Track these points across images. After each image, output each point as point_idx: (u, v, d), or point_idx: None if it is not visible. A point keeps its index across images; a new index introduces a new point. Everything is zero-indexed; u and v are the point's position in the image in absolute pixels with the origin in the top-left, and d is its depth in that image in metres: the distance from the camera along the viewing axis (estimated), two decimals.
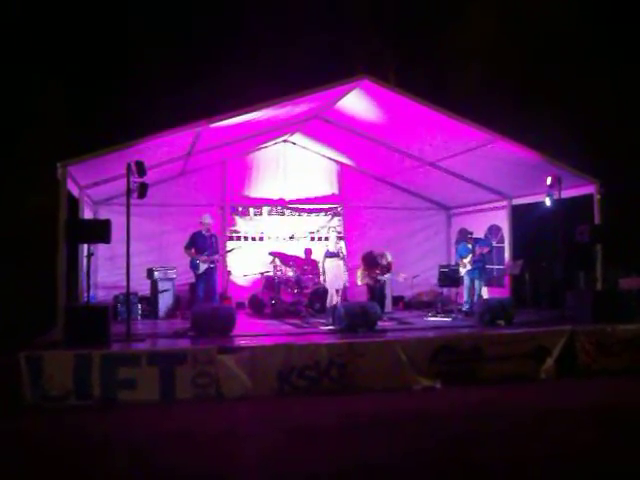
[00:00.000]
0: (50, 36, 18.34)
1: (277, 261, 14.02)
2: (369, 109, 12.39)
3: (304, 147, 15.94)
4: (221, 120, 10.59)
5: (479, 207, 15.78)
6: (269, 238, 15.66)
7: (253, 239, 15.62)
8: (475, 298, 13.04)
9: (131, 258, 9.60)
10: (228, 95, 16.67)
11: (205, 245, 12.23)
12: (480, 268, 13.19)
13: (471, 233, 13.61)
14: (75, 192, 11.22)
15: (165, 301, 13.38)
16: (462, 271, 13.21)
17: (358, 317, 10.50)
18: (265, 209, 15.75)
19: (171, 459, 6.23)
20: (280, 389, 8.79)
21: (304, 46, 20.11)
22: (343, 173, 16.37)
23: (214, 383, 8.61)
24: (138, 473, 5.88)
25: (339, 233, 15.90)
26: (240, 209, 15.58)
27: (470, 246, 13.23)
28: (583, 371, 9.89)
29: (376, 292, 12.78)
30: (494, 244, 14.99)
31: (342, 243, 14.60)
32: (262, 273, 14.47)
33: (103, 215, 13.16)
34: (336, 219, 16.22)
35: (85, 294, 11.03)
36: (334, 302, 11.91)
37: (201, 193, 15.15)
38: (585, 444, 6.54)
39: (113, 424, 7.59)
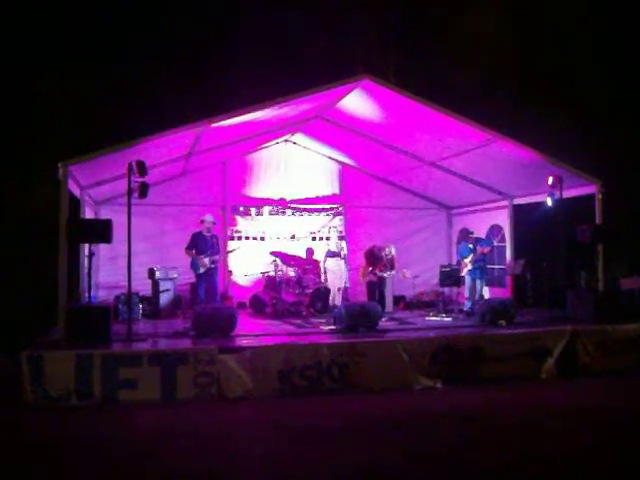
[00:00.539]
0: (51, 35, 18.35)
1: (278, 261, 14.02)
2: (370, 109, 12.39)
3: (305, 147, 15.95)
4: (222, 120, 10.59)
5: (480, 207, 15.77)
6: (270, 238, 15.66)
7: (254, 239, 15.62)
8: (476, 298, 13.04)
9: (132, 258, 9.61)
10: (229, 95, 16.71)
11: (206, 245, 12.23)
12: (481, 268, 13.19)
13: (472, 232, 13.62)
14: (76, 192, 11.23)
15: (166, 301, 13.38)
16: (463, 271, 13.21)
17: (359, 317, 10.50)
18: (266, 209, 15.74)
19: (172, 459, 6.23)
20: (281, 389, 8.79)
21: (305, 46, 20.11)
22: (344, 173, 16.37)
23: (215, 383, 8.61)
24: (139, 473, 5.88)
25: (340, 233, 15.91)
26: (241, 209, 15.58)
27: (471, 246, 13.23)
28: (584, 371, 9.89)
29: (375, 292, 12.78)
30: (495, 244, 15.00)
31: (344, 243, 14.60)
32: (263, 273, 14.47)
33: (104, 215, 13.17)
34: (337, 219, 16.22)
35: (86, 294, 11.03)
36: (335, 302, 11.93)
37: (202, 193, 15.15)
38: (586, 444, 6.54)
39: (114, 424, 7.59)
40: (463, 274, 13.22)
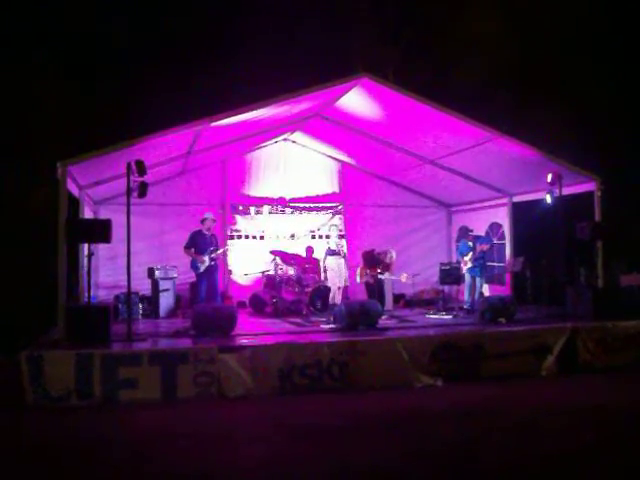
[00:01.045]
0: (50, 35, 18.34)
1: (278, 260, 14.02)
2: (369, 107, 12.38)
3: (304, 146, 15.94)
4: (221, 119, 10.57)
5: (480, 205, 15.77)
6: (270, 237, 15.66)
7: (254, 238, 15.62)
8: (476, 295, 13.04)
9: (132, 257, 9.60)
10: (228, 94, 16.69)
11: (205, 244, 12.22)
12: (481, 265, 13.20)
13: (471, 230, 13.62)
14: (75, 192, 11.22)
15: (166, 300, 13.38)
16: (463, 269, 13.21)
17: (359, 315, 10.51)
18: (266, 208, 15.74)
19: (172, 459, 6.24)
20: (281, 388, 8.80)
21: (304, 44, 20.09)
22: (344, 171, 16.37)
23: (215, 382, 8.62)
24: (139, 473, 5.88)
25: (340, 231, 15.91)
26: (241, 208, 15.58)
27: (471, 244, 13.23)
28: (584, 368, 9.90)
29: (374, 291, 12.77)
30: (495, 241, 15.00)
31: (343, 242, 14.57)
32: (263, 272, 14.47)
33: (103, 215, 13.16)
34: (337, 217, 16.22)
35: (86, 294, 11.02)
36: (335, 300, 11.93)
37: (202, 192, 15.14)
38: (586, 441, 6.55)
39: (114, 424, 7.60)
40: (463, 272, 13.23)
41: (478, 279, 13.20)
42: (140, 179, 9.67)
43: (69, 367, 8.25)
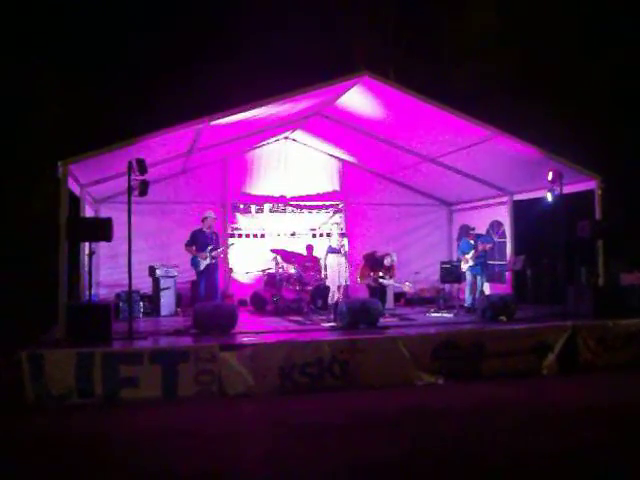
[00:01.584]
0: (51, 34, 18.34)
1: (279, 258, 14.02)
2: (370, 106, 12.38)
3: (305, 144, 15.95)
4: (221, 118, 10.57)
5: (480, 203, 15.77)
6: (270, 235, 15.66)
7: (255, 236, 15.62)
8: (477, 294, 13.04)
9: (133, 256, 9.61)
10: (228, 93, 16.69)
11: (206, 242, 12.24)
12: (482, 264, 13.20)
13: (473, 229, 13.62)
14: (76, 190, 11.23)
15: (167, 299, 13.38)
16: (464, 267, 13.21)
17: (360, 314, 10.51)
18: (266, 206, 15.74)
19: (174, 456, 6.24)
20: (282, 386, 8.80)
21: (304, 43, 20.09)
22: (344, 170, 16.37)
23: (216, 380, 8.62)
24: (140, 471, 5.89)
25: (341, 230, 15.91)
26: (241, 206, 15.58)
27: (472, 242, 13.23)
28: (585, 366, 9.90)
29: (376, 289, 12.78)
30: (495, 240, 15.00)
31: (345, 240, 14.55)
32: (264, 270, 14.48)
33: (104, 213, 13.18)
34: (337, 216, 16.22)
35: (87, 292, 11.03)
36: (336, 299, 11.93)
37: (202, 190, 15.16)
38: (587, 440, 6.55)
39: (115, 422, 7.60)
40: (464, 270, 13.23)
41: (479, 277, 13.20)
42: (141, 178, 9.68)
43: (70, 366, 8.24)
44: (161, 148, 11.23)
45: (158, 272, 13.32)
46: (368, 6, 22.18)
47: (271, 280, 14.11)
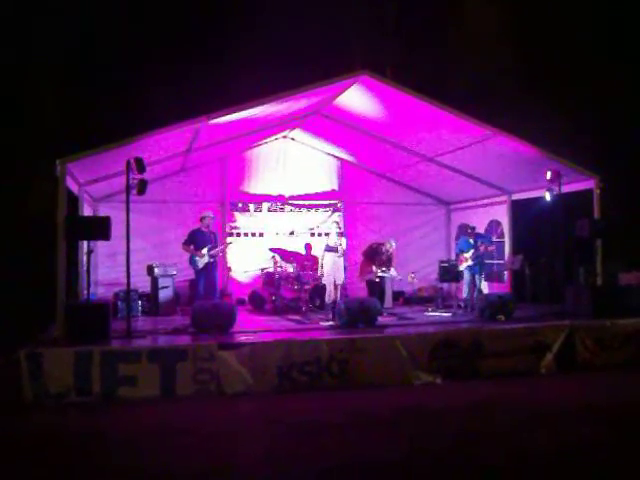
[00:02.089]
0: (48, 32, 18.31)
1: (277, 257, 14.03)
2: (368, 105, 12.38)
3: (304, 143, 15.95)
4: (220, 116, 10.57)
5: (479, 202, 15.78)
6: (269, 234, 15.67)
7: (253, 235, 15.63)
8: (475, 293, 13.05)
9: (131, 255, 9.60)
10: (227, 91, 16.66)
11: (204, 242, 12.26)
12: (480, 263, 13.21)
13: (473, 228, 13.59)
14: (74, 189, 11.22)
15: (165, 297, 13.38)
16: (462, 266, 13.21)
17: (358, 313, 10.51)
18: (265, 205, 15.75)
19: (172, 455, 6.24)
20: (280, 385, 8.80)
21: (303, 41, 20.07)
22: (343, 169, 16.38)
23: (215, 379, 8.62)
24: (139, 470, 5.88)
25: (339, 229, 15.91)
26: (240, 205, 15.59)
27: (472, 241, 13.22)
28: (583, 366, 9.91)
29: (375, 288, 12.79)
30: (494, 239, 15.01)
31: (343, 240, 14.51)
32: (262, 269, 14.49)
33: (103, 212, 13.19)
34: (336, 215, 16.23)
35: (85, 291, 11.03)
36: (332, 298, 11.95)
37: (201, 189, 15.17)
38: (585, 439, 6.56)
39: (114, 421, 7.61)
40: (461, 269, 13.23)
41: (477, 276, 13.21)
42: (139, 176, 9.67)
43: (68, 364, 8.25)
44: (160, 147, 11.23)
45: (156, 271, 13.31)
46: (367, 4, 22.17)
47: (270, 279, 14.11)
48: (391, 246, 13.08)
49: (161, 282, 13.30)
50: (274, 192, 15.80)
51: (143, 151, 9.96)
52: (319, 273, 13.36)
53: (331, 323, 11.16)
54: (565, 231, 11.68)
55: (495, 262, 15.26)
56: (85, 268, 10.60)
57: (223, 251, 13.48)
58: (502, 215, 15.14)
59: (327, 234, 15.50)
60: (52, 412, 7.90)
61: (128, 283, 9.67)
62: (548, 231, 13.47)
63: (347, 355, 9.05)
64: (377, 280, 12.87)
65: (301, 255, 14.47)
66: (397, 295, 15.02)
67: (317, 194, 16.13)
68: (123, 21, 19.58)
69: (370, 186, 16.50)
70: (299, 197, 15.97)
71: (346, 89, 11.70)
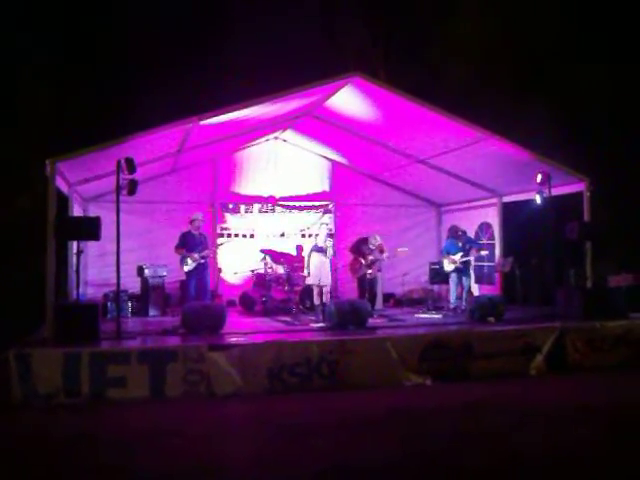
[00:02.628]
0: (39, 31, 18.25)
1: (268, 258, 14.01)
2: (360, 106, 12.38)
3: (295, 144, 15.94)
4: (211, 117, 10.54)
5: (470, 204, 15.81)
6: (260, 235, 15.65)
7: (244, 236, 15.61)
8: (464, 295, 13.06)
9: (121, 255, 9.57)
10: (218, 92, 16.67)
11: (195, 244, 12.26)
12: (467, 264, 13.21)
13: (464, 232, 13.59)
14: (64, 189, 11.18)
15: (155, 298, 13.34)
16: (448, 267, 13.18)
17: (349, 314, 10.50)
18: (256, 206, 15.73)
19: (161, 457, 6.21)
20: (271, 386, 8.79)
21: (295, 43, 20.09)
22: (334, 170, 16.38)
23: (205, 380, 8.59)
24: (128, 471, 5.86)
25: (330, 230, 15.89)
26: (231, 206, 15.56)
27: (460, 244, 13.22)
28: (573, 368, 9.93)
29: (366, 288, 12.78)
30: (484, 241, 15.04)
31: (329, 242, 14.45)
32: (253, 270, 14.46)
33: (93, 212, 13.17)
34: (327, 216, 16.23)
35: (74, 291, 10.98)
36: (321, 299, 11.97)
37: (192, 190, 15.13)
38: (575, 440, 6.57)
39: (102, 422, 7.57)
40: (446, 269, 13.20)
41: (465, 278, 13.21)
42: (130, 177, 9.64)
43: (57, 365, 8.21)
44: (150, 147, 11.20)
45: (146, 272, 13.28)
46: (359, 6, 22.20)
47: (260, 280, 14.10)
48: (376, 240, 13.06)
49: (151, 283, 13.27)
50: (265, 193, 15.78)
51: (134, 151, 9.91)
52: (305, 273, 13.29)
53: (321, 324, 11.16)
54: (555, 233, 11.71)
55: (485, 264, 15.29)
56: (75, 268, 10.56)
57: (214, 253, 13.45)
58: (493, 217, 15.17)
59: (317, 235, 15.48)
60: (41, 413, 7.85)
61: (118, 284, 9.64)
62: (538, 233, 13.49)
63: (337, 356, 9.04)
64: (369, 273, 12.81)
65: (292, 256, 14.46)
66: (388, 297, 15.03)
67: (308, 195, 16.13)
68: (114, 22, 19.55)
69: (361, 188, 16.50)
70: (290, 198, 15.96)
71: (338, 90, 11.70)
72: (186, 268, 12.19)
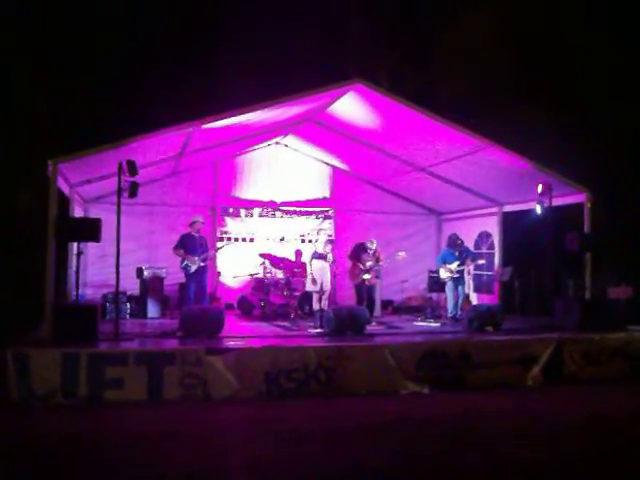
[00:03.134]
0: (41, 32, 18.28)
1: (267, 263, 14.01)
2: (362, 113, 12.40)
3: (296, 150, 15.96)
4: (213, 121, 10.57)
5: (470, 213, 15.82)
6: (259, 240, 15.66)
7: (243, 240, 15.62)
8: (459, 303, 13.05)
9: (121, 257, 9.58)
10: (220, 97, 16.70)
11: (195, 246, 12.24)
12: (463, 273, 13.21)
13: (461, 241, 13.56)
14: (66, 190, 11.19)
15: (154, 301, 13.35)
16: (445, 277, 13.16)
17: (347, 321, 10.50)
18: (256, 211, 15.75)
19: (157, 460, 6.21)
20: (267, 391, 8.78)
21: (297, 49, 20.13)
22: (335, 176, 16.40)
23: (202, 384, 8.60)
24: (123, 474, 5.85)
25: (329, 236, 15.88)
26: (231, 210, 15.58)
27: (457, 253, 13.19)
28: (570, 379, 9.92)
29: (364, 295, 12.76)
30: (484, 250, 15.05)
31: (328, 247, 14.44)
32: (252, 275, 14.47)
33: (93, 213, 13.17)
34: (327, 222, 16.24)
35: (74, 292, 10.99)
36: (318, 305, 11.98)
37: (192, 193, 15.14)
38: (570, 452, 6.57)
39: (99, 424, 7.57)
40: (443, 277, 13.18)
41: (460, 287, 13.19)
42: (131, 179, 9.67)
43: (55, 366, 8.21)
44: (152, 150, 11.22)
45: (146, 274, 13.29)
46: (362, 13, 22.24)
47: (259, 285, 14.09)
48: (373, 244, 13.06)
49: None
50: (265, 198, 15.80)
51: (135, 154, 9.93)
52: (308, 280, 13.28)
53: (319, 330, 11.15)
54: (555, 244, 11.73)
55: (484, 273, 15.30)
56: (74, 269, 10.56)
57: (214, 256, 13.46)
58: (493, 226, 15.18)
59: (316, 241, 15.46)
60: (37, 413, 7.85)
61: (117, 285, 9.65)
62: (538, 243, 13.51)
63: (335, 363, 9.04)
64: (368, 280, 12.80)
65: (291, 261, 14.44)
66: (386, 304, 15.03)
67: (308, 201, 16.14)
68: (118, 24, 19.58)
69: (361, 194, 16.52)
70: (290, 203, 15.98)
71: (340, 97, 11.73)
72: (188, 271, 12.17)
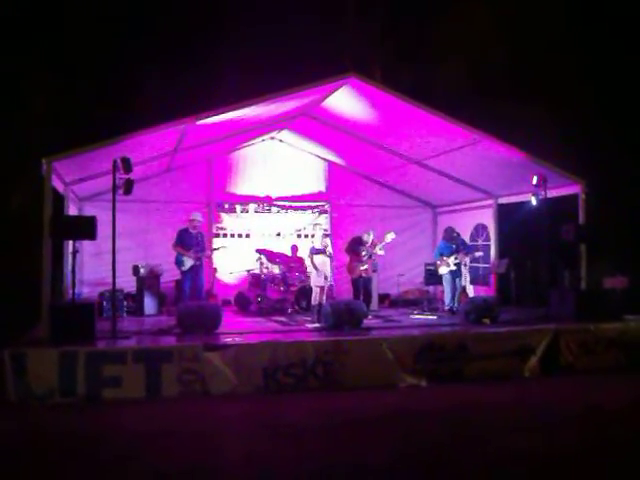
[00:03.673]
0: (34, 30, 18.22)
1: (263, 258, 14.01)
2: (357, 107, 12.40)
3: (292, 144, 15.95)
4: (207, 117, 10.55)
5: (465, 205, 15.84)
6: (255, 235, 15.66)
7: (239, 236, 15.62)
8: (456, 295, 13.06)
9: (117, 255, 9.57)
10: (215, 92, 16.64)
11: (192, 243, 12.22)
12: (460, 266, 13.22)
13: (458, 234, 13.57)
14: (60, 188, 11.17)
15: (151, 298, 13.34)
16: (443, 270, 13.17)
17: (344, 315, 10.50)
18: (252, 206, 15.74)
19: (156, 457, 6.22)
20: (266, 386, 8.80)
21: (291, 43, 20.08)
22: (330, 171, 16.40)
23: (200, 380, 8.61)
24: (123, 471, 5.86)
25: (325, 230, 15.89)
26: (226, 206, 15.57)
27: (454, 246, 13.20)
28: (566, 369, 9.97)
29: (360, 289, 12.77)
30: (480, 242, 15.06)
31: (328, 240, 14.48)
32: (248, 270, 14.46)
33: (88, 211, 13.14)
34: (323, 217, 16.25)
35: (70, 291, 10.97)
36: (319, 300, 11.98)
37: (187, 190, 15.12)
38: (568, 442, 6.59)
39: (98, 422, 7.57)
40: (441, 272, 13.18)
41: (457, 280, 13.20)
42: (126, 176, 9.64)
43: (53, 365, 8.21)
44: (146, 146, 11.20)
45: (142, 271, 13.28)
46: (356, 8, 22.20)
47: (255, 280, 14.10)
48: (369, 236, 13.06)
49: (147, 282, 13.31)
50: (261, 193, 15.79)
51: (130, 151, 9.92)
52: (313, 275, 13.27)
53: (317, 325, 11.17)
54: (550, 235, 11.75)
55: (481, 265, 15.32)
56: (70, 268, 10.55)
57: (210, 256, 13.46)
58: (488, 218, 15.20)
59: (313, 236, 15.48)
60: (36, 412, 7.85)
61: (114, 283, 9.64)
62: (533, 235, 13.54)
63: (332, 357, 9.06)
64: (364, 271, 12.80)
65: (287, 256, 14.47)
66: (383, 297, 15.04)
67: (304, 195, 16.14)
68: (111, 21, 19.51)
69: (357, 188, 16.53)
70: (286, 198, 15.98)
71: (335, 91, 11.71)
72: (182, 268, 12.16)
